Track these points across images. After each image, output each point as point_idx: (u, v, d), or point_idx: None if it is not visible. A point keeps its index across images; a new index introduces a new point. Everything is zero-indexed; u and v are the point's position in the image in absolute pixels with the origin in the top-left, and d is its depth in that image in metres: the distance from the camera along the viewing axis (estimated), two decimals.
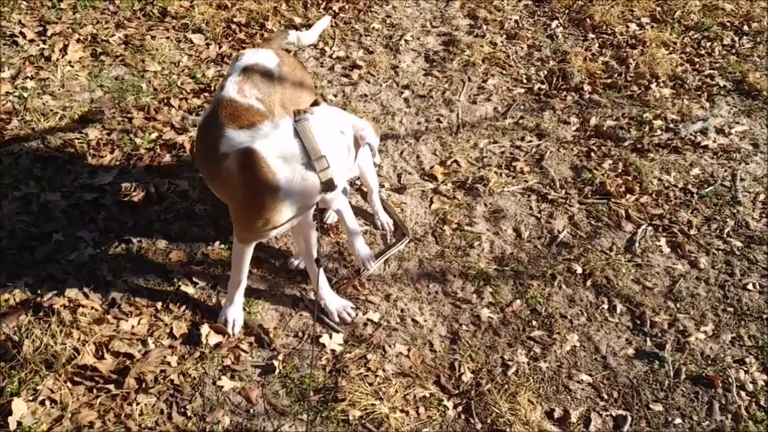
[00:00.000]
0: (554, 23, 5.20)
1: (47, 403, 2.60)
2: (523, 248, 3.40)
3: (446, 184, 3.74)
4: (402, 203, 3.62)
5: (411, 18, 5.21)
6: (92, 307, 2.96)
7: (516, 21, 5.23)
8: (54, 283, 3.05)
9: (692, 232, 3.50)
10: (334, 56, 4.71)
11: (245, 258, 2.82)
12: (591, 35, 5.08)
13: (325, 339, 2.93)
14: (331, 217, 3.42)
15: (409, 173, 3.83)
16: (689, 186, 3.77)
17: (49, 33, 4.57)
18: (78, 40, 4.55)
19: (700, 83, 4.62)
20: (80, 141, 3.78)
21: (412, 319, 3.05)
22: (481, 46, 4.86)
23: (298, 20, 4.97)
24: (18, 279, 3.04)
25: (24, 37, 4.51)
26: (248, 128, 2.52)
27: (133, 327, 2.92)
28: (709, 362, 2.94)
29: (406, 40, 4.93)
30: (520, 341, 2.98)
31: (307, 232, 2.87)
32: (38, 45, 4.49)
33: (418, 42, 4.94)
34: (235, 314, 2.95)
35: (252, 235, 2.73)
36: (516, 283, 3.23)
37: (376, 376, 2.80)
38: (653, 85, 4.55)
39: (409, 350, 2.92)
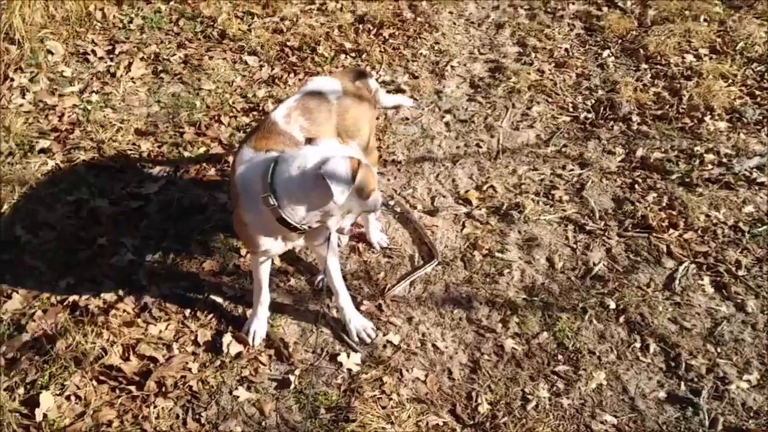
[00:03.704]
0: (605, 52, 5.07)
1: (72, 398, 2.67)
2: (555, 279, 3.28)
3: (480, 209, 3.65)
4: (434, 226, 3.55)
5: (459, 45, 5.17)
6: (124, 310, 3.03)
7: (566, 49, 5.12)
8: (93, 285, 3.14)
9: (740, 272, 3.31)
10: (379, 80, 4.70)
11: (259, 269, 2.83)
12: (644, 65, 4.93)
13: (342, 357, 2.88)
14: (344, 240, 3.38)
15: (444, 196, 3.76)
16: (740, 224, 3.58)
17: (116, 51, 4.75)
18: (141, 59, 4.70)
19: (760, 117, 4.40)
20: (132, 152, 3.89)
21: (433, 345, 2.97)
22: (528, 73, 4.77)
23: (348, 45, 5.00)
24: (62, 278, 3.15)
25: (95, 54, 4.70)
26: (257, 151, 2.58)
27: (160, 332, 2.96)
28: (752, 415, 2.74)
29: (452, 66, 4.89)
30: (543, 375, 2.85)
31: (321, 257, 2.87)
32: (106, 62, 4.66)
33: (465, 68, 4.89)
34: (257, 326, 2.95)
35: (249, 250, 2.83)
36: (544, 315, 3.10)
37: (390, 399, 2.72)
38: (707, 118, 4.36)
39: (426, 376, 2.84)
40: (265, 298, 2.91)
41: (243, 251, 3.31)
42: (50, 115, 4.06)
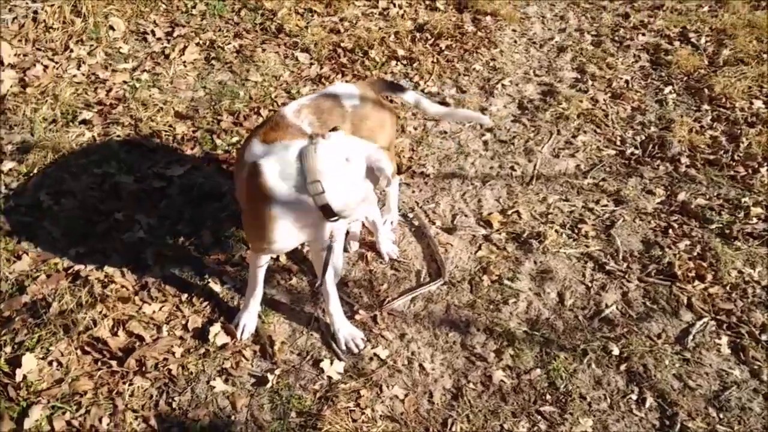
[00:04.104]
0: (667, 89, 4.87)
1: (54, 364, 2.72)
2: (561, 316, 3.16)
3: (500, 234, 3.56)
4: (448, 244, 3.48)
5: (516, 64, 5.07)
6: (123, 286, 3.08)
7: (626, 81, 4.95)
8: (100, 257, 3.20)
9: (764, 337, 3.10)
10: (426, 90, 4.66)
11: (258, 266, 2.82)
12: (705, 106, 4.70)
13: (325, 364, 2.85)
14: (353, 247, 3.34)
15: (465, 215, 3.68)
16: None
17: (175, 34, 4.87)
18: (197, 44, 4.80)
19: None
20: (167, 133, 3.97)
21: (420, 365, 2.90)
22: (580, 101, 4.63)
23: (401, 52, 4.98)
24: (73, 247, 3.23)
25: (154, 35, 4.83)
26: (269, 143, 2.54)
27: (153, 312, 3.00)
28: None
29: (503, 85, 4.79)
30: (527, 413, 2.75)
31: (320, 254, 2.80)
32: (163, 43, 4.79)
33: (516, 88, 4.79)
34: (247, 320, 2.95)
35: (255, 246, 2.74)
36: (542, 351, 2.99)
37: (363, 413, 2.68)
38: (763, 169, 4.12)
39: (406, 395, 2.78)
40: (259, 292, 2.92)
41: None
42: (99, 89, 4.19)
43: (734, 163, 4.17)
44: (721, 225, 3.69)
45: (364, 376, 2.82)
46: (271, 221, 2.44)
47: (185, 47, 4.63)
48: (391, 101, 3.93)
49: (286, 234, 2.50)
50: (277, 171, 2.39)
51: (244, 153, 2.62)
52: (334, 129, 2.52)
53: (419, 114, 4.41)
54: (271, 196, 2.40)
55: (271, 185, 2.39)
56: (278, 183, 2.38)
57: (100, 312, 2.88)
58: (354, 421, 2.63)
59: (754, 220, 3.73)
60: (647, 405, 2.81)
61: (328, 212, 2.36)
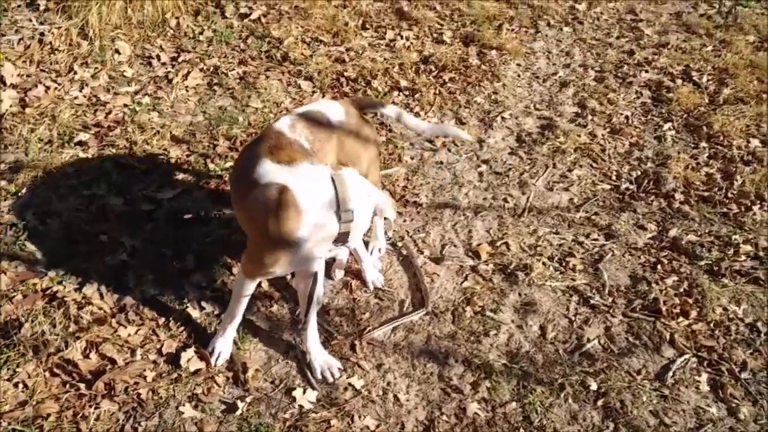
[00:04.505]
0: (667, 125, 4.88)
1: (20, 386, 2.71)
2: (542, 349, 3.15)
3: (487, 265, 3.57)
4: (435, 273, 3.49)
5: (518, 97, 5.11)
6: (101, 308, 3.09)
7: (627, 117, 4.96)
8: (81, 278, 3.22)
9: (744, 375, 3.07)
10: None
11: (245, 292, 2.83)
12: (703, 144, 4.70)
13: (297, 392, 2.85)
14: (339, 275, 3.37)
15: (455, 246, 3.70)
16: (759, 324, 3.33)
17: (180, 59, 4.96)
18: (201, 69, 4.89)
19: None
20: (162, 156, 4.02)
21: (395, 396, 2.90)
22: (578, 135, 4.65)
23: (404, 83, 5.03)
24: (54, 268, 3.25)
25: (159, 59, 4.93)
26: (287, 164, 2.56)
27: (129, 335, 3.00)
28: None
29: (503, 117, 4.83)
30: None
31: (306, 282, 2.83)
32: (167, 68, 4.87)
33: (516, 121, 4.82)
34: (222, 346, 2.96)
35: (258, 270, 2.71)
36: (519, 384, 2.98)
37: None
38: (756, 207, 4.10)
39: (378, 427, 2.78)
40: (238, 319, 2.93)
41: (234, 270, 3.33)
42: (98, 111, 4.28)
43: (727, 201, 4.16)
44: (710, 262, 3.68)
45: (336, 405, 2.82)
46: (293, 245, 2.46)
47: (189, 72, 4.72)
48: (374, 117, 4.00)
49: (301, 257, 2.54)
50: (309, 195, 2.44)
51: (252, 172, 2.60)
52: (343, 165, 2.63)
53: (417, 143, 4.45)
54: (299, 217, 2.42)
55: (303, 208, 2.42)
56: (310, 207, 2.42)
57: (73, 333, 2.90)
58: None
59: (743, 257, 3.71)
60: None
61: (343, 239, 2.44)
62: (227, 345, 2.95)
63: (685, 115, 5.01)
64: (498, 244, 3.71)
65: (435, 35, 5.72)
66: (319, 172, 2.51)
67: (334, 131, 2.94)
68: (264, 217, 2.49)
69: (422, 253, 3.63)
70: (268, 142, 2.73)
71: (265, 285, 3.29)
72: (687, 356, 3.14)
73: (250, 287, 2.83)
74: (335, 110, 3.00)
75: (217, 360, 2.92)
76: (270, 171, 2.56)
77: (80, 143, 3.99)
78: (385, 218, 2.72)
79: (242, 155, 2.89)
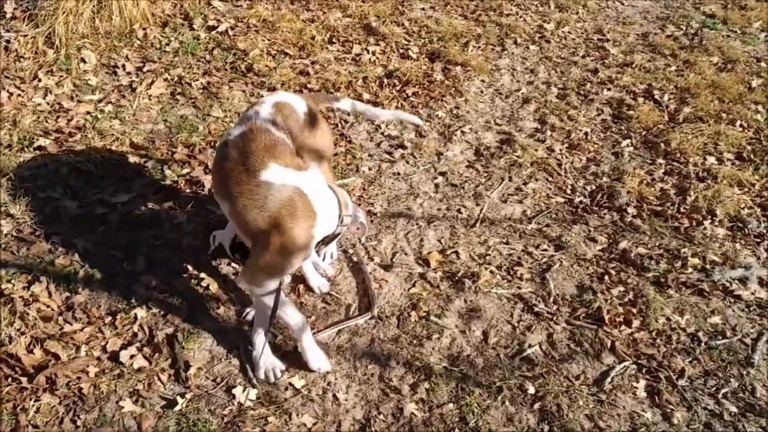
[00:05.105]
0: (625, 142, 4.97)
1: None
2: (483, 353, 3.19)
3: (436, 272, 3.61)
4: (383, 280, 3.53)
5: (479, 113, 5.19)
6: (48, 306, 3.11)
7: (586, 133, 5.05)
8: (29, 278, 3.25)
9: (681, 382, 3.12)
10: (385, 134, 4.77)
11: (269, 296, 2.87)
12: (660, 160, 4.79)
13: (237, 390, 2.87)
14: (328, 270, 3.49)
15: (405, 254, 3.74)
16: (700, 333, 3.39)
17: (145, 69, 5.01)
18: (165, 79, 4.94)
19: (765, 230, 4.18)
20: (120, 162, 4.06)
21: (334, 395, 2.93)
22: (536, 150, 4.73)
23: (366, 96, 5.10)
24: (5, 267, 3.28)
25: (124, 69, 4.98)
26: (295, 168, 2.75)
27: (75, 332, 3.03)
28: None
29: (462, 132, 4.91)
30: None
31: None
32: (131, 77, 4.92)
33: (475, 135, 4.90)
34: (268, 361, 2.98)
35: (277, 272, 2.79)
36: (458, 386, 3.02)
37: None
38: (707, 222, 4.18)
39: (314, 424, 2.80)
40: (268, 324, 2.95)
41: (183, 273, 3.36)
42: (60, 118, 4.32)
43: (680, 215, 4.23)
44: (657, 273, 3.73)
45: (275, 403, 2.85)
46: (307, 245, 2.73)
47: (153, 82, 4.77)
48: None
49: (304, 258, 2.82)
50: (317, 198, 2.74)
51: (257, 174, 2.72)
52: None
53: (375, 155, 4.51)
54: (316, 221, 2.72)
55: (317, 210, 2.72)
56: (321, 209, 2.73)
57: (18, 329, 2.92)
58: None
59: (690, 270, 3.77)
60: None
61: (329, 241, 2.77)
62: (269, 357, 2.98)
63: (644, 132, 5.11)
64: (448, 252, 3.76)
65: (401, 50, 5.81)
66: (317, 177, 2.80)
67: (300, 125, 3.05)
68: (283, 222, 2.65)
69: (372, 260, 3.67)
70: (261, 140, 2.82)
71: (213, 288, 3.32)
72: (626, 363, 3.19)
73: (272, 286, 2.84)
74: (299, 102, 3.09)
75: (273, 376, 2.95)
76: (283, 174, 2.73)
77: (39, 148, 4.03)
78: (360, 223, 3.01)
79: (231, 154, 2.86)
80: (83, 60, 4.81)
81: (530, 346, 3.24)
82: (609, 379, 3.09)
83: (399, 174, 4.40)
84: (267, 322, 2.90)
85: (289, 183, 2.68)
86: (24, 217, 3.55)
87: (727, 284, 3.70)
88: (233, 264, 3.40)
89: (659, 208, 4.30)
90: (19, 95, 4.40)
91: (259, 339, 2.97)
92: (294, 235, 2.66)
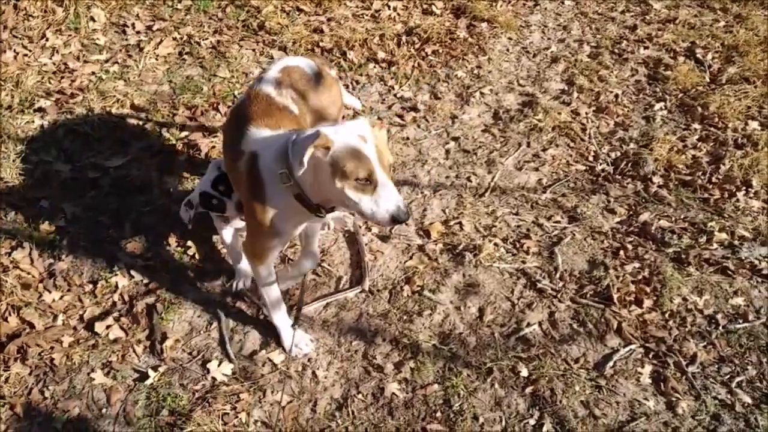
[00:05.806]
0: (658, 105, 4.62)
1: None
2: (476, 331, 3.00)
3: (436, 244, 3.42)
4: (379, 251, 3.36)
5: (502, 72, 4.90)
6: (29, 273, 3.05)
7: (616, 95, 4.71)
8: (12, 243, 3.20)
9: (692, 369, 2.88)
10: (398, 95, 4.55)
11: (271, 280, 2.76)
12: (695, 125, 4.43)
13: (212, 365, 2.77)
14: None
15: (406, 224, 3.55)
16: (719, 316, 3.12)
17: (155, 28, 4.89)
18: (174, 38, 4.81)
19: None
20: (118, 124, 3.96)
21: (313, 372, 2.80)
22: (559, 113, 4.43)
23: (382, 55, 4.88)
24: None
25: (133, 27, 4.87)
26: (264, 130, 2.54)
27: (53, 300, 2.98)
28: None
29: (482, 93, 4.64)
30: (411, 430, 2.60)
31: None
32: (140, 37, 4.81)
33: (495, 97, 4.63)
34: (296, 338, 2.82)
35: (264, 257, 2.66)
36: (446, 367, 2.85)
37: (237, 417, 2.60)
38: (740, 194, 3.84)
39: (289, 402, 2.68)
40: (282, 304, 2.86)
41: (171, 241, 3.27)
42: (64, 78, 4.25)
43: (710, 186, 3.92)
44: (678, 249, 3.46)
45: (250, 379, 2.74)
46: (273, 220, 2.52)
47: (161, 41, 4.65)
48: None
49: (286, 231, 2.59)
50: (268, 164, 2.45)
51: (242, 144, 2.56)
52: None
53: (385, 119, 4.30)
54: (266, 191, 2.47)
55: (266, 180, 2.46)
56: (270, 178, 2.43)
57: None
58: (225, 423, 2.55)
59: (715, 245, 3.48)
60: (543, 431, 2.62)
61: (303, 202, 2.39)
62: (299, 334, 2.84)
63: (681, 95, 4.74)
64: (451, 223, 3.56)
65: (425, 6, 5.52)
66: (275, 136, 2.51)
67: (311, 87, 2.89)
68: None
69: (370, 230, 3.50)
70: (256, 108, 2.65)
71: (198, 257, 3.21)
72: (633, 346, 2.96)
73: (270, 274, 2.74)
74: (309, 65, 2.96)
75: (306, 350, 2.85)
76: (256, 143, 2.52)
77: (39, 110, 3.97)
78: None
79: (230, 120, 2.80)
80: (92, 19, 4.72)
81: (528, 324, 3.04)
82: (611, 363, 2.88)
83: (408, 139, 4.20)
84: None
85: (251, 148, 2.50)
86: (14, 181, 3.48)
87: (756, 262, 3.40)
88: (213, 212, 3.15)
89: (688, 178, 3.98)
90: (26, 55, 4.35)
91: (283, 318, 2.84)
92: (256, 215, 2.48)
